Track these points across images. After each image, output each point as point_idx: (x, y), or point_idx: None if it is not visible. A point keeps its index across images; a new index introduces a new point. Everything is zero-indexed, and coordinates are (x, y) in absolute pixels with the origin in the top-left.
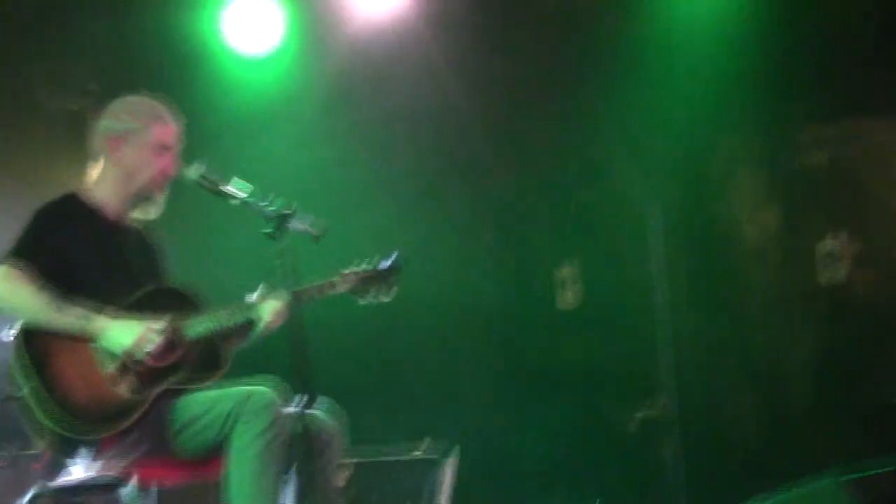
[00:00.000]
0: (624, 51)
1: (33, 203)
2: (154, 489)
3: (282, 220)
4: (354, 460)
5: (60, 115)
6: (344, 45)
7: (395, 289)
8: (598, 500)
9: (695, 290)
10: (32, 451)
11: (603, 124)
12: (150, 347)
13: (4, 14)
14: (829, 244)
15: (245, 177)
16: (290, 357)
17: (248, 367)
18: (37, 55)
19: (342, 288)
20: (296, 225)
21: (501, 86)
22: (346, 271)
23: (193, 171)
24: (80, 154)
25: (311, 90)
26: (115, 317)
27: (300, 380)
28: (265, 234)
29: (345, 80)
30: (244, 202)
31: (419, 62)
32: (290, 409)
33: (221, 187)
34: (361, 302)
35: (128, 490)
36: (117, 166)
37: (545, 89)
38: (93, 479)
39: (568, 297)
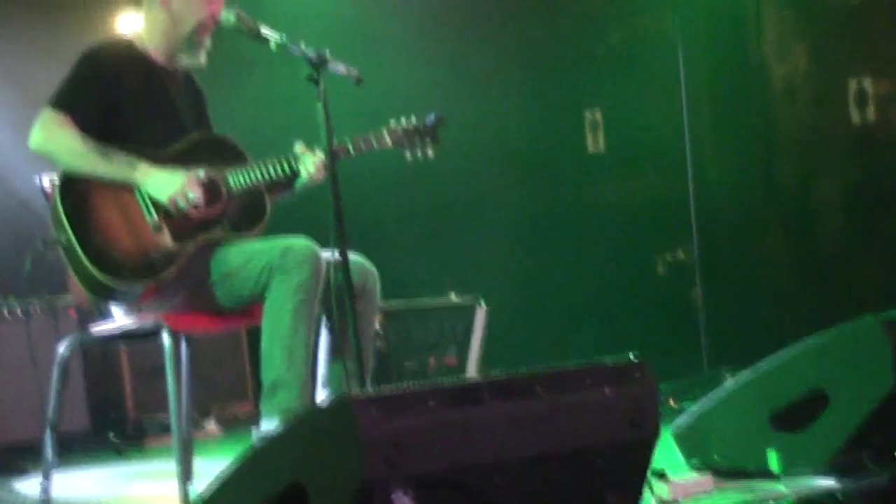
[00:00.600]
0: None
1: (70, 46)
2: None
3: (321, 62)
4: (389, 306)
5: None
6: None
7: (439, 142)
8: (631, 354)
9: (723, 130)
10: (68, 298)
11: None
12: (193, 196)
13: None
14: (859, 83)
15: (272, 22)
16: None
17: (286, 220)
18: None
19: (388, 142)
20: (336, 67)
21: None
22: (392, 125)
23: (230, 14)
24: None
25: None
26: (159, 165)
27: (336, 232)
28: (306, 77)
29: None
30: (282, 45)
31: None
32: (327, 255)
33: (260, 30)
34: (408, 156)
35: (164, 338)
36: (165, 9)
37: None
38: (131, 326)
39: (597, 140)
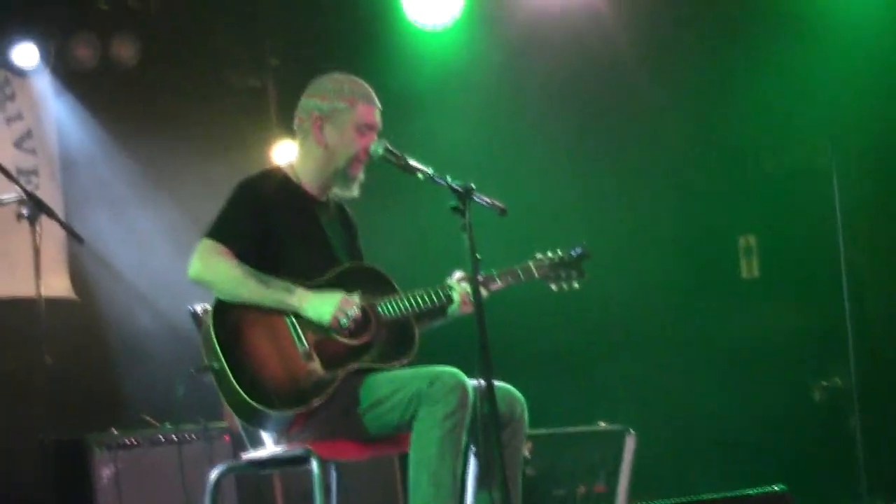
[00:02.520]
0: (812, 11)
1: (227, 175)
2: (336, 463)
3: (467, 194)
4: (538, 433)
5: (244, 90)
6: (521, 17)
7: (585, 275)
8: (777, 486)
9: (881, 258)
10: (222, 424)
11: (788, 91)
12: (347, 319)
13: None
14: None
15: (418, 154)
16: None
17: (434, 349)
18: (221, 33)
19: (535, 274)
20: (481, 199)
21: (679, 56)
22: (540, 257)
23: (379, 147)
24: (263, 128)
25: (487, 63)
26: (314, 289)
27: (482, 362)
28: (451, 207)
29: (520, 53)
30: (430, 177)
31: (594, 33)
32: (475, 384)
33: (408, 161)
34: (554, 288)
35: (314, 465)
36: (319, 145)
37: (723, 56)
38: (281, 453)
39: (751, 266)
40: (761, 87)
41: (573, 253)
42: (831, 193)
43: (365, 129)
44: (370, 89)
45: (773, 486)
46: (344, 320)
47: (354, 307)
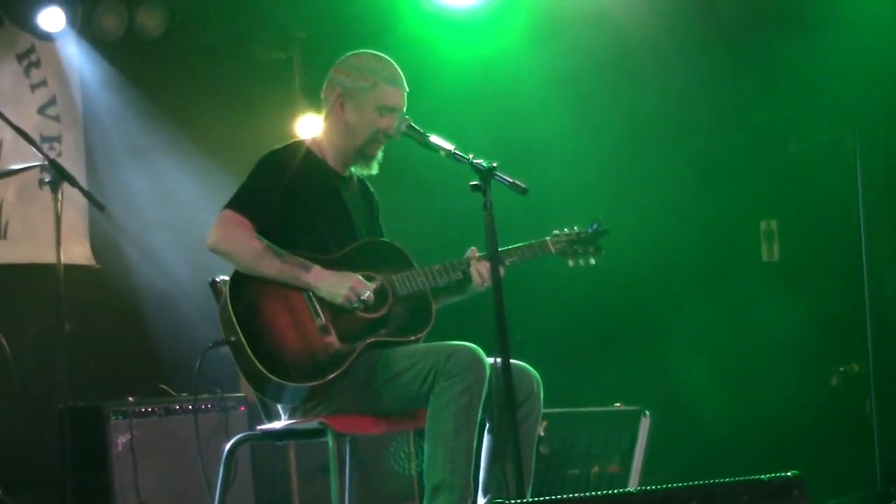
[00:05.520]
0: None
1: (245, 149)
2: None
3: (488, 172)
4: (553, 413)
5: (268, 62)
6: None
7: (602, 251)
8: (794, 472)
9: None
10: (239, 395)
11: (813, 74)
12: (364, 296)
13: None
14: None
15: (440, 132)
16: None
17: (451, 325)
18: (247, 6)
19: (552, 250)
20: (503, 178)
21: (706, 38)
22: (557, 233)
23: (401, 125)
24: (287, 101)
25: (512, 38)
26: (331, 268)
27: (498, 340)
28: (473, 186)
29: (544, 29)
30: (451, 154)
31: (623, 12)
32: (491, 361)
33: (430, 139)
34: (570, 264)
35: (329, 438)
36: (340, 121)
37: (749, 38)
38: (297, 425)
39: (772, 250)
40: (786, 70)
41: (590, 228)
42: (854, 178)
43: (386, 110)
44: (397, 70)
45: (787, 471)
46: (355, 303)
47: (368, 291)
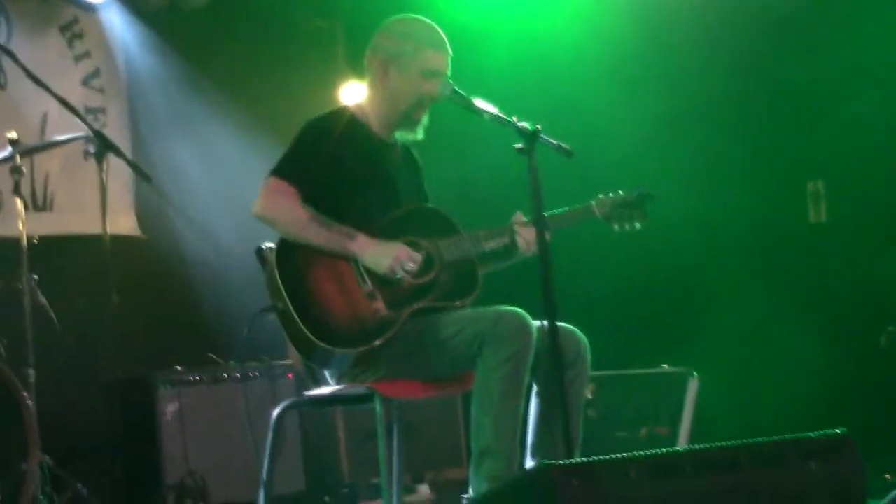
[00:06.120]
0: None
1: (290, 116)
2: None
3: (533, 135)
4: (601, 376)
5: (312, 30)
6: None
7: (647, 216)
8: (842, 429)
9: None
10: (286, 362)
11: (862, 35)
12: (408, 267)
13: None
14: None
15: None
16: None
17: (498, 290)
18: None
19: (597, 214)
20: (548, 141)
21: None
22: (601, 197)
23: (445, 89)
24: (331, 68)
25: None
26: (376, 235)
27: (545, 303)
28: (518, 149)
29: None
30: (496, 117)
31: None
32: (538, 324)
33: (474, 102)
34: (616, 228)
35: (377, 403)
36: (384, 86)
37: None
38: (345, 391)
39: (819, 211)
40: (835, 31)
41: (635, 194)
42: None
43: (430, 74)
44: (440, 34)
45: (836, 429)
46: (399, 273)
47: (411, 262)
